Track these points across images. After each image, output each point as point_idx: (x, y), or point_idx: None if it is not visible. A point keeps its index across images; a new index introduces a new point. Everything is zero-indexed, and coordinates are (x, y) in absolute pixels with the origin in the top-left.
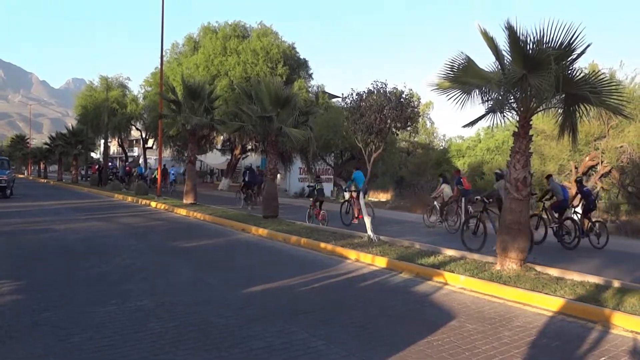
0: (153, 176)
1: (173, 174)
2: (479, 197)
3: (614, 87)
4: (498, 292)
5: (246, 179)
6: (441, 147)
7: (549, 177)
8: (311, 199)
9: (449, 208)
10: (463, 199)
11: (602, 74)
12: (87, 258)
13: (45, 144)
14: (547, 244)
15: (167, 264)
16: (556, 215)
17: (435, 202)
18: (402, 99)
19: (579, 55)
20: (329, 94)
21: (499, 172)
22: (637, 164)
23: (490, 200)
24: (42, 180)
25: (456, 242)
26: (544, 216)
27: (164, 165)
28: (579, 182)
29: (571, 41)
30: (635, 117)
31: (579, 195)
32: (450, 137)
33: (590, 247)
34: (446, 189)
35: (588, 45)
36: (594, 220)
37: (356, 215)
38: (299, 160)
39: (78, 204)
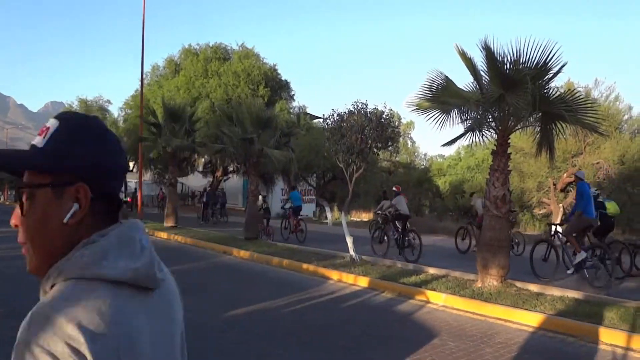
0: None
1: None
2: (379, 212)
3: (589, 105)
4: (479, 309)
5: (204, 199)
6: (422, 166)
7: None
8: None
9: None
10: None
11: (578, 92)
12: None
13: None
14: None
15: None
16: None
17: (378, 217)
18: (382, 119)
19: (555, 74)
20: (311, 115)
21: (395, 190)
22: (613, 180)
23: (391, 212)
24: None
25: (436, 259)
26: (470, 228)
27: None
28: None
29: (547, 61)
30: (610, 134)
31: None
32: (432, 156)
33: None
34: (385, 205)
35: (564, 65)
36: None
37: (292, 230)
38: (282, 182)
39: None
